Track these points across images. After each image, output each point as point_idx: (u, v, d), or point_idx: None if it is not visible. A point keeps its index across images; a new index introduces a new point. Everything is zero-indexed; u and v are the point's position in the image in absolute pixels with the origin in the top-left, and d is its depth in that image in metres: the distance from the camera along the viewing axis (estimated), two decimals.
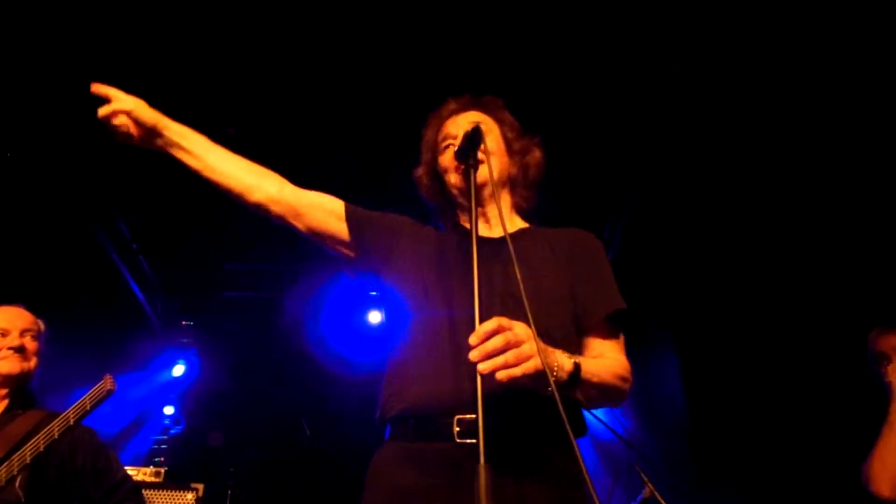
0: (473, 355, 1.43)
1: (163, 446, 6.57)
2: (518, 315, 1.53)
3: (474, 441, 1.43)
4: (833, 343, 4.96)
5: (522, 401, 1.63)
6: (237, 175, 1.92)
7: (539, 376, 1.47)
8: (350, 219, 1.97)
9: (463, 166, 1.82)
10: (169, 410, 6.67)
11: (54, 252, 5.52)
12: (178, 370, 6.73)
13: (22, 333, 2.84)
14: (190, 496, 3.58)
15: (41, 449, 2.44)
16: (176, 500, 3.57)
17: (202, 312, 6.84)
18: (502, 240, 1.83)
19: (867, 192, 4.80)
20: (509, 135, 2.11)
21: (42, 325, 2.96)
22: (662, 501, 3.52)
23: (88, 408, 2.47)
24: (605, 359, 1.80)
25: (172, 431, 6.63)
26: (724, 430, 5.44)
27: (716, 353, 5.73)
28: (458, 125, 2.03)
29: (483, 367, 1.42)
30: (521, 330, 1.48)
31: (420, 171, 2.18)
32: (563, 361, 1.57)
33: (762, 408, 5.31)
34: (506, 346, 1.44)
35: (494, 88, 2.22)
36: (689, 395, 5.93)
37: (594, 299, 1.88)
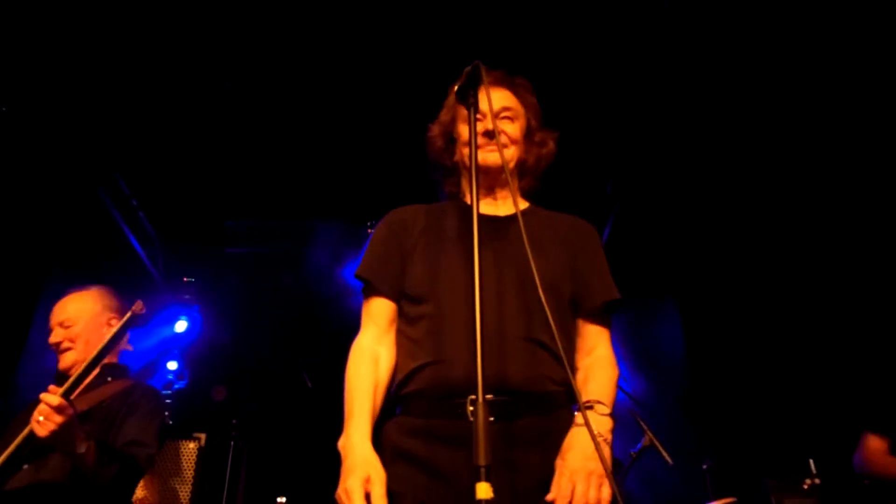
0: None
1: (167, 401, 6.62)
2: (529, 294, 1.59)
3: (490, 419, 1.57)
4: (830, 306, 5.01)
5: (532, 383, 1.74)
6: (379, 396, 1.92)
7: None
8: (393, 295, 1.99)
9: (465, 109, 1.78)
10: (172, 366, 6.71)
11: (55, 209, 5.49)
12: (181, 326, 6.76)
13: (55, 328, 2.87)
14: (192, 445, 3.62)
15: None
16: (179, 450, 3.61)
17: (204, 268, 6.83)
18: (508, 218, 1.94)
19: (861, 163, 4.81)
20: (532, 122, 2.13)
21: (84, 303, 2.94)
22: (661, 448, 3.59)
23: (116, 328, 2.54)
24: (602, 371, 1.85)
25: (176, 386, 6.68)
26: (721, 386, 5.53)
27: (716, 313, 5.78)
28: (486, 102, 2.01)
29: None
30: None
31: (435, 130, 2.16)
32: (605, 431, 1.69)
33: (759, 364, 5.37)
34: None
35: (496, 49, 2.18)
36: (689, 352, 5.99)
37: (594, 285, 1.94)
